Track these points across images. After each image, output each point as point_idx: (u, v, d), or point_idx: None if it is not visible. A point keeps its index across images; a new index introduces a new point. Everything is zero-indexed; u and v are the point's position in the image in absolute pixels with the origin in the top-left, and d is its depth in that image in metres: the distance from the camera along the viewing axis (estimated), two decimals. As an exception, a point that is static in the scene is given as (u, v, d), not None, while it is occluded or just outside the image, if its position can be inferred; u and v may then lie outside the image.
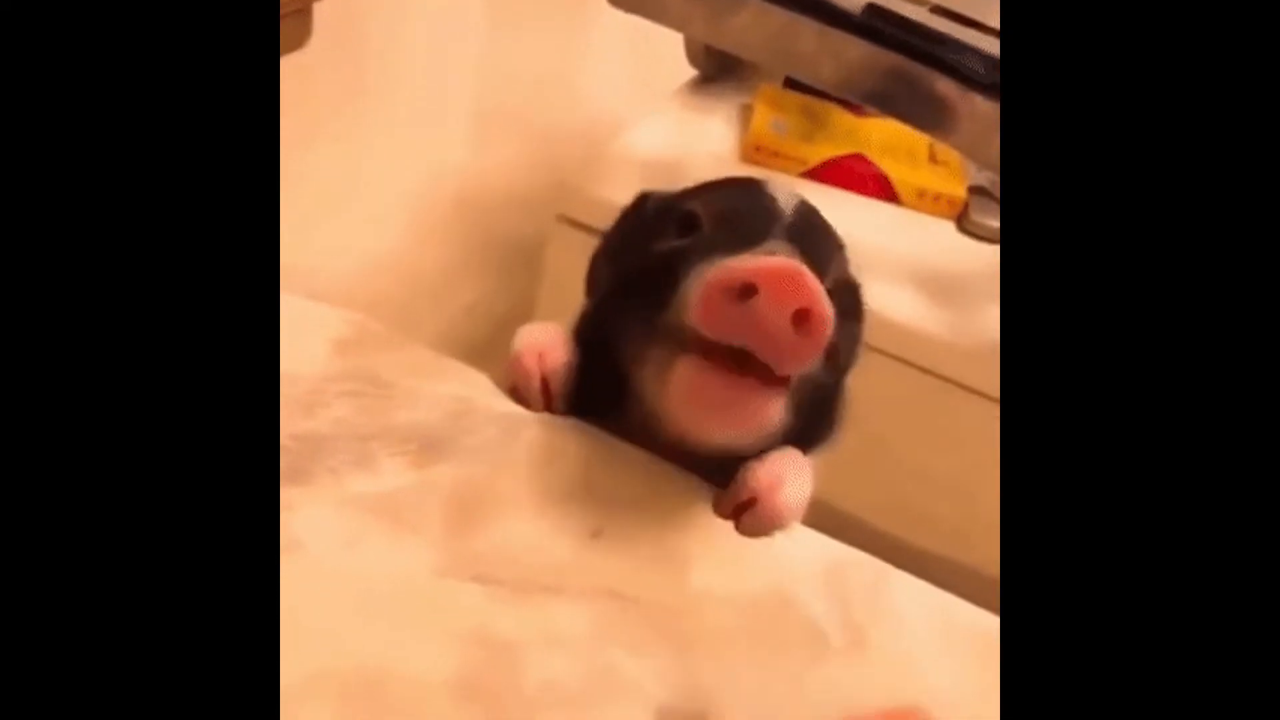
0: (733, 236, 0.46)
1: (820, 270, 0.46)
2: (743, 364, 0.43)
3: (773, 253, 0.43)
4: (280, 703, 0.36)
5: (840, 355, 0.49)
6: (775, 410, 0.45)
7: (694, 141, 1.07)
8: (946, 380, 0.95)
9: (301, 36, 1.00)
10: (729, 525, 0.48)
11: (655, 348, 0.45)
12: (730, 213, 0.48)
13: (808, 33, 0.84)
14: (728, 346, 0.42)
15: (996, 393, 0.90)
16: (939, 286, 0.97)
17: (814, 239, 0.48)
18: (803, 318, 0.41)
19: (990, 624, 0.47)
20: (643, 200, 0.56)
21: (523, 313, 1.03)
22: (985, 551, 0.51)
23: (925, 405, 0.96)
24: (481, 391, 0.51)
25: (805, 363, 0.43)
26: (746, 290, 0.41)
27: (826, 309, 0.41)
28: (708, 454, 0.47)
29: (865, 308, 0.53)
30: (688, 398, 0.44)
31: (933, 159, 1.07)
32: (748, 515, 0.47)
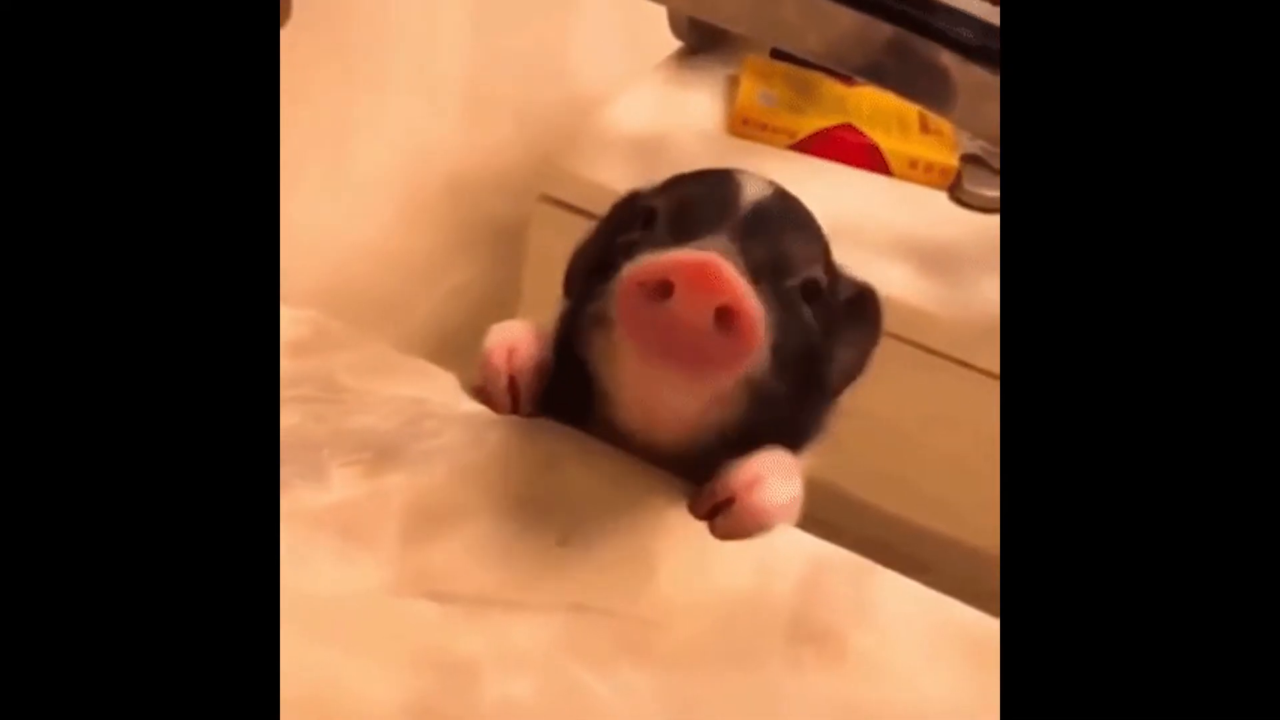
0: (678, 231, 0.43)
1: (780, 266, 0.44)
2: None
3: (704, 248, 0.40)
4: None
5: (804, 358, 0.45)
6: (729, 376, 0.42)
7: (679, 116, 1.04)
8: (940, 355, 0.92)
9: (282, 14, 0.98)
10: (704, 527, 0.45)
11: (601, 343, 0.43)
12: (685, 205, 0.45)
13: (791, 1, 0.81)
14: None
15: (991, 366, 0.89)
16: (932, 259, 0.94)
17: (776, 233, 0.45)
18: (726, 317, 0.38)
19: (983, 625, 0.44)
20: (631, 198, 0.54)
21: (511, 295, 1.01)
22: (984, 528, 0.48)
23: (918, 380, 0.93)
24: (442, 392, 0.49)
25: (732, 366, 0.40)
26: (662, 288, 0.38)
27: (751, 305, 0.38)
28: (673, 453, 0.45)
29: (864, 310, 0.50)
30: (630, 390, 0.43)
31: (924, 128, 1.03)
32: (722, 517, 0.45)
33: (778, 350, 0.42)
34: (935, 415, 0.95)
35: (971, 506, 0.88)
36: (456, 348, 0.51)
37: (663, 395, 0.44)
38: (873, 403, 0.52)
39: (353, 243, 1.19)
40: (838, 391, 0.51)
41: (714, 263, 0.38)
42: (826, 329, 0.47)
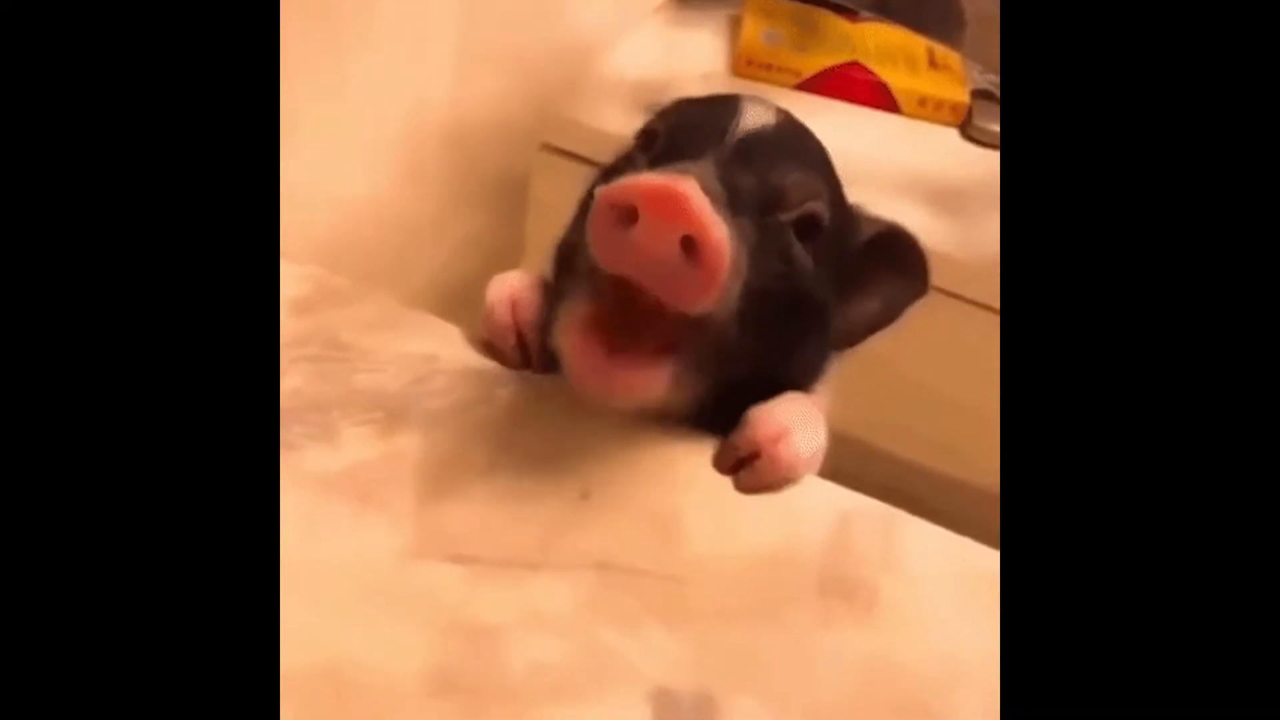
0: (665, 155, 0.41)
1: (769, 198, 0.41)
2: (638, 314, 0.39)
3: (678, 173, 0.37)
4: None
5: (791, 298, 0.43)
6: (660, 376, 0.40)
7: (681, 59, 1.01)
8: (952, 295, 0.91)
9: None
10: (729, 481, 0.44)
11: (564, 302, 0.42)
12: (681, 129, 0.43)
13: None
14: (622, 284, 0.38)
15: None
16: (944, 197, 0.92)
17: (768, 162, 0.42)
18: (691, 246, 0.36)
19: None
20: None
21: (515, 246, 0.99)
22: (987, 467, 0.47)
23: (928, 321, 0.91)
24: (450, 347, 0.47)
25: (698, 298, 0.37)
26: (629, 214, 0.36)
27: (715, 236, 0.36)
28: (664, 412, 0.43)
29: (894, 254, 0.48)
30: (570, 359, 0.41)
31: (932, 64, 1.01)
32: (747, 471, 0.43)
33: (755, 289, 0.39)
34: (949, 357, 0.94)
35: (974, 445, 0.87)
36: (464, 301, 0.49)
37: (604, 386, 0.41)
38: (881, 346, 0.51)
39: (351, 201, 1.17)
40: (859, 339, 0.50)
41: (678, 189, 0.36)
42: (839, 273, 0.45)
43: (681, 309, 0.38)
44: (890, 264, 0.48)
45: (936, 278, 0.92)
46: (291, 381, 0.43)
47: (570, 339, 0.40)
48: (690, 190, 0.36)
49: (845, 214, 0.47)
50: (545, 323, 0.46)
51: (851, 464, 0.47)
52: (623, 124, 0.86)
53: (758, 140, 0.43)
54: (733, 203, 0.39)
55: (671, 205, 0.36)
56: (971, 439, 0.87)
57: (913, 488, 0.46)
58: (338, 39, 1.35)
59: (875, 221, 0.48)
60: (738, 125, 0.43)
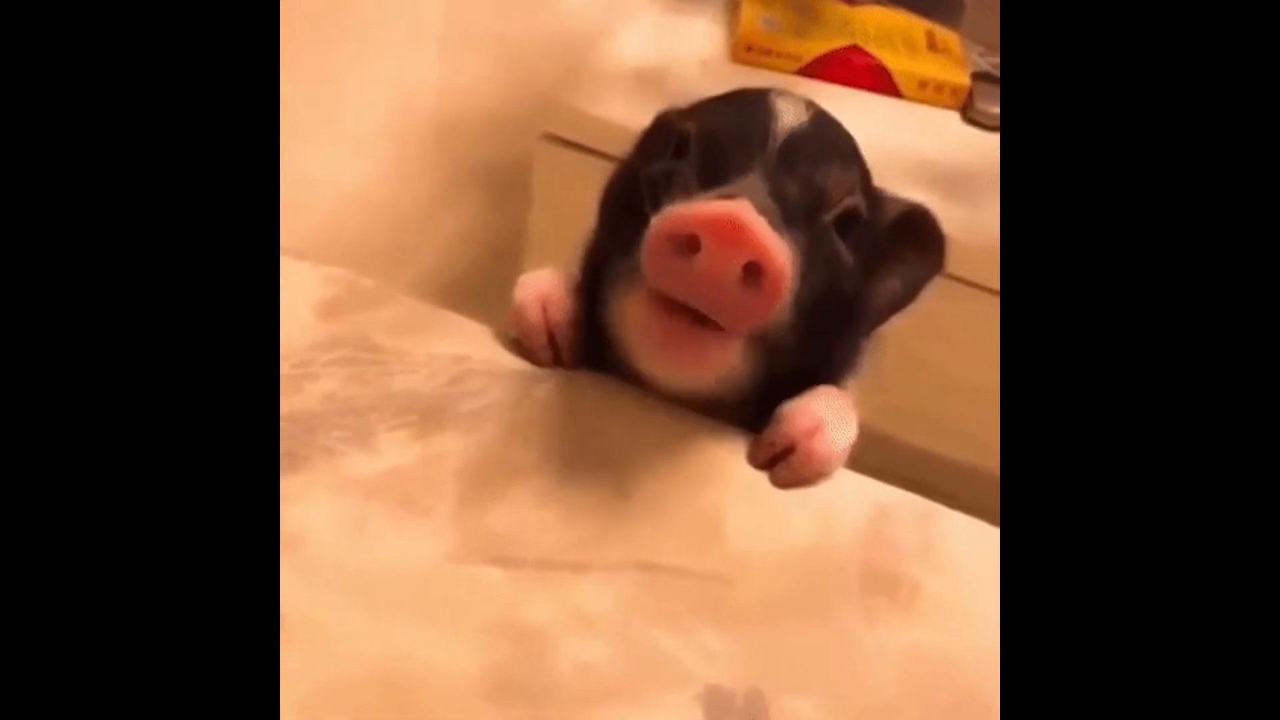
0: (709, 167, 0.41)
1: (815, 202, 0.42)
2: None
3: (731, 195, 0.38)
4: (293, 717, 0.33)
5: (837, 298, 0.43)
6: (730, 355, 0.41)
7: (681, 46, 1.00)
8: (954, 279, 0.91)
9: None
10: (764, 477, 0.44)
11: (622, 282, 0.42)
12: (718, 136, 0.43)
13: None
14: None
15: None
16: (945, 181, 0.92)
17: (811, 165, 0.42)
18: (753, 272, 0.37)
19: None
20: (661, 121, 0.51)
21: (514, 239, 0.98)
22: (987, 450, 0.47)
23: (931, 306, 0.92)
24: (483, 347, 0.47)
25: (758, 320, 0.39)
26: (690, 243, 0.37)
27: (779, 261, 0.37)
28: (706, 399, 0.44)
29: (915, 232, 0.48)
30: (641, 337, 0.41)
31: (932, 46, 1.01)
32: (783, 466, 0.43)
33: (805, 297, 0.40)
34: (951, 340, 0.94)
35: (977, 428, 0.87)
36: (464, 295, 0.49)
37: (673, 374, 0.43)
38: (886, 330, 0.51)
39: (346, 195, 1.16)
40: (882, 320, 0.50)
41: (742, 217, 0.36)
42: (867, 258, 0.45)
43: (740, 329, 0.39)
44: (911, 243, 0.48)
45: (950, 264, 0.92)
46: (325, 385, 0.43)
47: (641, 315, 0.40)
48: (751, 217, 0.36)
49: (875, 199, 0.47)
50: (578, 320, 0.46)
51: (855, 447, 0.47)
52: (624, 112, 0.86)
53: (797, 142, 0.43)
54: (783, 215, 0.39)
55: (736, 234, 0.36)
56: (974, 422, 0.88)
57: (914, 471, 0.46)
58: (325, 29, 1.34)
59: (897, 202, 0.48)
60: (776, 128, 0.43)
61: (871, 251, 0.46)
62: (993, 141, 0.97)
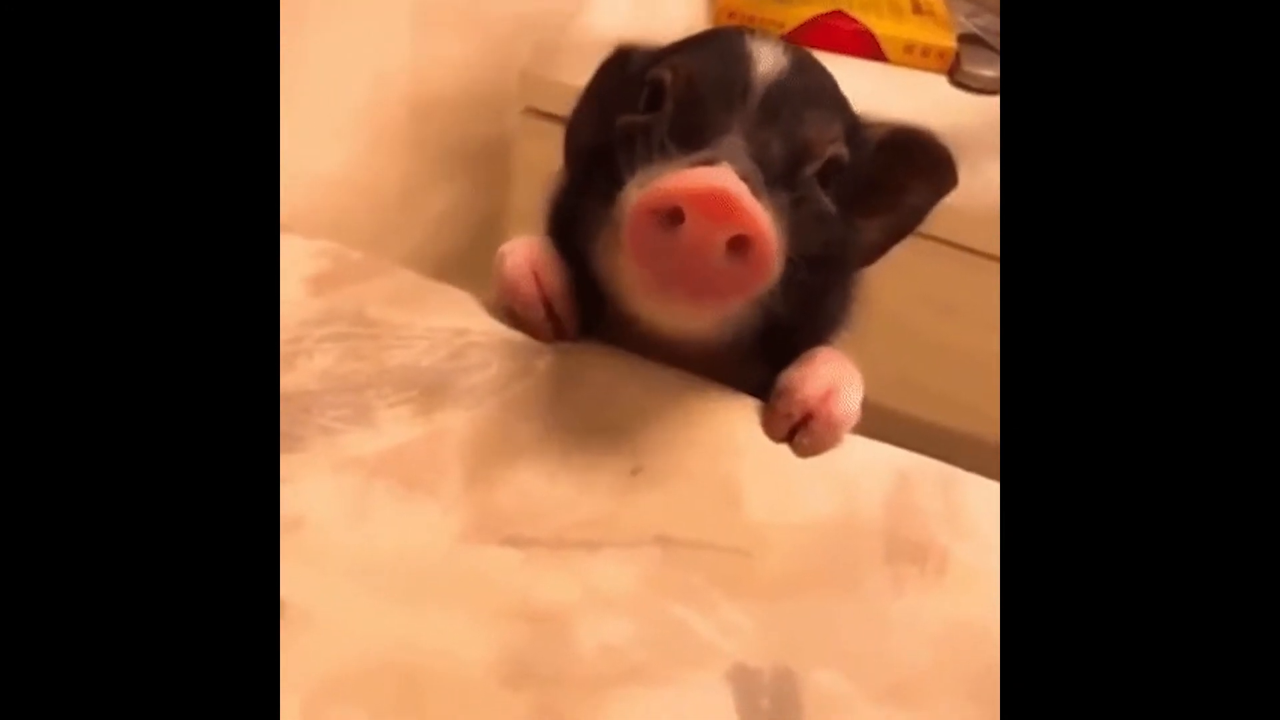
0: (687, 126, 0.39)
1: (797, 155, 0.40)
2: None
3: (712, 160, 0.36)
4: (299, 714, 0.31)
5: (822, 253, 0.41)
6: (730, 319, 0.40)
7: (661, 13, 0.98)
8: (945, 243, 0.89)
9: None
10: (780, 447, 0.42)
11: (606, 235, 0.40)
12: (695, 89, 0.40)
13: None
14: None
15: (997, 251, 0.86)
16: (936, 147, 0.90)
17: (792, 117, 0.40)
18: (739, 244, 0.35)
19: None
20: (622, 57, 0.49)
21: (496, 216, 0.96)
22: (987, 419, 0.46)
23: (922, 270, 0.90)
24: (482, 320, 0.45)
25: (746, 293, 0.37)
26: (673, 214, 0.35)
27: (765, 232, 0.35)
28: (697, 352, 0.42)
29: (908, 152, 0.45)
30: (636, 285, 0.39)
31: (917, 9, 0.99)
32: (804, 434, 0.42)
33: (793, 259, 0.38)
34: (941, 304, 0.93)
35: (983, 399, 0.86)
36: (450, 275, 0.47)
37: (672, 315, 0.40)
38: (878, 295, 0.49)
39: (325, 179, 1.13)
40: (876, 255, 0.48)
41: (727, 189, 0.34)
42: (855, 200, 0.44)
43: (726, 301, 0.38)
44: (908, 165, 0.46)
45: (932, 227, 0.91)
46: (320, 362, 0.41)
47: (636, 282, 0.39)
48: (736, 187, 0.34)
49: (858, 134, 0.45)
50: (572, 286, 0.44)
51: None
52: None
53: (778, 91, 0.40)
54: (765, 176, 0.37)
55: (720, 207, 0.34)
56: (973, 391, 0.86)
57: (911, 442, 0.45)
58: (295, 12, 1.31)
59: (879, 125, 0.46)
60: (755, 77, 0.40)
61: (862, 190, 0.44)
62: (982, 104, 0.95)
